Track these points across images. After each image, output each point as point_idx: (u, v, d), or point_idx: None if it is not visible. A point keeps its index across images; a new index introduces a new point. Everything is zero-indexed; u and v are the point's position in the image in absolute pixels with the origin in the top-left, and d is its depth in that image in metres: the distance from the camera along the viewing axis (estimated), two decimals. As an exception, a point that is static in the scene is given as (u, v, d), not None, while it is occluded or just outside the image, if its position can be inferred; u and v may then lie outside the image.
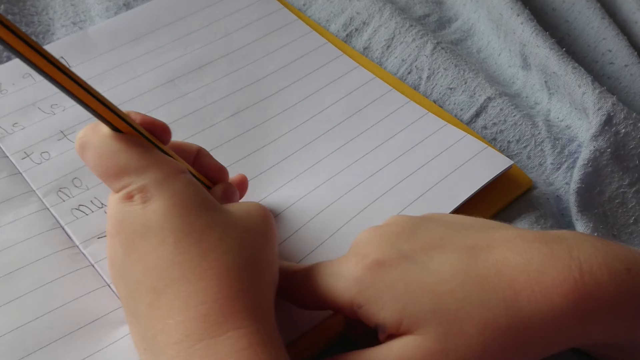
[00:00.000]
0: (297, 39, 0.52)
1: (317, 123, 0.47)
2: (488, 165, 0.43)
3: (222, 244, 0.30)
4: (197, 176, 0.36)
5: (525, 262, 0.29)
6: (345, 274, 0.31)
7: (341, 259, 0.32)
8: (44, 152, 0.44)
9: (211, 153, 0.41)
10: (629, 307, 0.29)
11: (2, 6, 0.53)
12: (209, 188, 0.37)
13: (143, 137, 0.32)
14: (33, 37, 0.51)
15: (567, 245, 0.29)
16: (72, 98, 0.29)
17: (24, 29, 0.52)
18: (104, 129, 0.32)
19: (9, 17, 0.53)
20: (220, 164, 0.38)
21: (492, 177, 0.43)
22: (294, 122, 0.47)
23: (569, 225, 0.43)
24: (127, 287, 0.31)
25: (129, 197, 0.31)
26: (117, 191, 0.32)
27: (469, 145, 0.45)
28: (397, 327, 0.29)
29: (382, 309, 0.30)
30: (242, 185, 0.40)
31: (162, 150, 0.33)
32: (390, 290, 0.30)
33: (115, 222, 0.32)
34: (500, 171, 0.43)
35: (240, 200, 0.40)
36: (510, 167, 0.43)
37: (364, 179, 0.43)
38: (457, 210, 0.41)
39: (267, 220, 0.34)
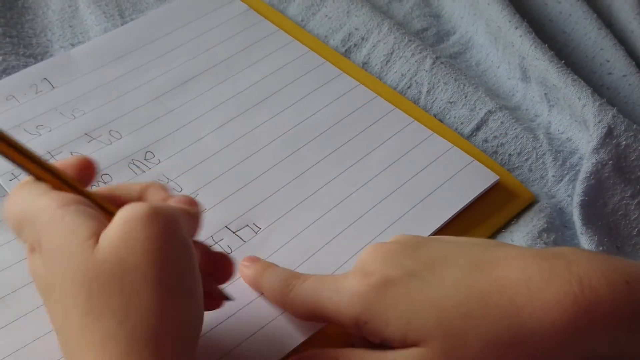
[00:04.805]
0: (280, 48, 0.53)
1: (303, 130, 0.47)
2: (474, 180, 0.44)
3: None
4: (100, 204, 0.31)
5: (525, 279, 0.30)
6: (350, 291, 0.32)
7: (344, 275, 0.33)
8: (31, 174, 0.44)
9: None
10: (629, 319, 0.30)
11: (-1, 29, 0.53)
12: (112, 213, 0.30)
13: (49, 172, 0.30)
14: (31, 59, 0.52)
15: (566, 260, 0.30)
16: None
17: (22, 51, 0.52)
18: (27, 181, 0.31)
19: (7, 39, 0.53)
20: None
21: (478, 194, 0.43)
22: (280, 129, 0.47)
23: (572, 238, 0.43)
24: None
25: (32, 250, 0.30)
26: (24, 244, 0.31)
27: (456, 157, 0.45)
28: (402, 342, 0.30)
29: (387, 326, 0.30)
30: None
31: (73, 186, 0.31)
32: (395, 307, 0.30)
33: (30, 272, 0.31)
34: (486, 187, 0.43)
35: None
36: (496, 182, 0.44)
37: (355, 190, 0.43)
38: (457, 227, 0.42)
39: (150, 240, 0.28)
